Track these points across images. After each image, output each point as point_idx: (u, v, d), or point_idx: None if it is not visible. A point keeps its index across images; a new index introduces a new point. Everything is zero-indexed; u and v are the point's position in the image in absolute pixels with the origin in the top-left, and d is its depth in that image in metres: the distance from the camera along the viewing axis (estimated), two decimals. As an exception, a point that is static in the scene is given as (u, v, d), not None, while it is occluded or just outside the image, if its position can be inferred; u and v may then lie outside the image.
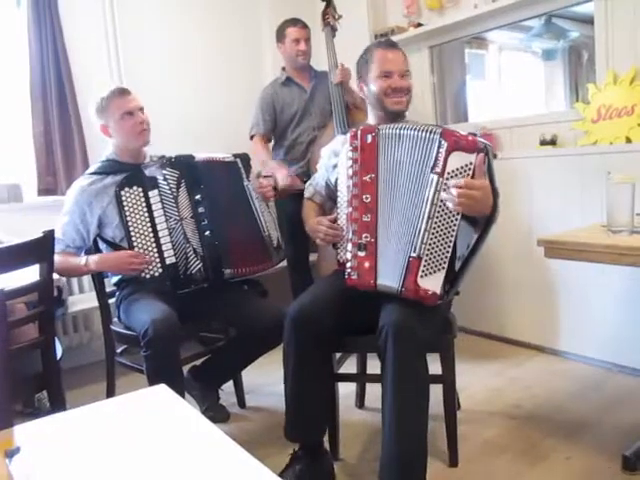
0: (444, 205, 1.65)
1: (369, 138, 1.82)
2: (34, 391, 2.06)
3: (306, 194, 2.23)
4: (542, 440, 2.09)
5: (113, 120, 2.17)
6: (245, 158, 2.39)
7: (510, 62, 4.04)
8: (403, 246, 1.72)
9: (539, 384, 2.56)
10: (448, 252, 1.67)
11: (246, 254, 2.26)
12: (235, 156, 2.36)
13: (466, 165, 1.63)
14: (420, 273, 1.68)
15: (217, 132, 3.42)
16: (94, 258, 2.16)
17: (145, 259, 2.12)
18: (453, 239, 1.66)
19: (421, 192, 1.69)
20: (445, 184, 1.64)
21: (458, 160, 1.63)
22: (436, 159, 1.66)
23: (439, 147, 1.66)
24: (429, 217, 1.67)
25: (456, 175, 1.63)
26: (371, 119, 2.09)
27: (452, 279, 1.72)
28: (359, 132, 1.85)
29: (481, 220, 1.73)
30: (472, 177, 1.63)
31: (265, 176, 2.43)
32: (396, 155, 1.77)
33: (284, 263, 3.26)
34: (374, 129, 1.83)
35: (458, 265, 1.73)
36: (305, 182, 2.38)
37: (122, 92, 2.18)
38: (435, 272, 1.68)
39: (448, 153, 1.64)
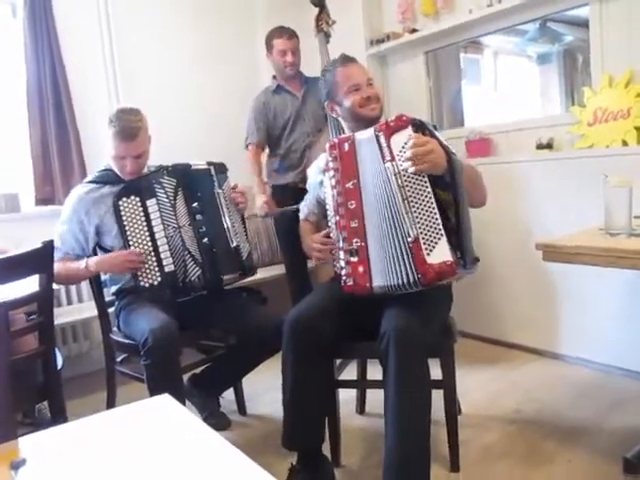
0: (408, 181, 1.70)
1: (346, 146, 1.86)
2: (35, 401, 2.06)
3: (301, 216, 2.24)
4: (543, 444, 2.09)
5: (109, 153, 2.16)
6: (219, 166, 2.35)
7: (506, 66, 4.05)
8: (397, 241, 1.72)
9: (539, 388, 2.56)
10: (437, 219, 1.67)
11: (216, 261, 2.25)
12: (209, 164, 2.33)
13: (407, 139, 1.71)
14: (425, 252, 1.66)
15: (214, 140, 3.42)
16: (93, 259, 2.16)
17: (142, 258, 2.13)
18: (434, 205, 1.68)
19: (387, 184, 1.73)
20: (401, 165, 1.71)
21: (399, 139, 1.73)
22: (382, 150, 1.76)
23: (378, 139, 1.77)
24: (403, 199, 1.70)
25: (404, 152, 1.71)
26: (348, 132, 2.10)
27: (458, 244, 1.69)
28: (337, 142, 1.89)
29: (448, 178, 1.72)
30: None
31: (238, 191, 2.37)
32: (365, 158, 1.82)
33: (282, 270, 3.28)
34: (350, 137, 1.88)
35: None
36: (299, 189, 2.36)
37: (127, 138, 2.09)
38: (437, 243, 1.67)
39: (388, 139, 1.75)
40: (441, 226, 1.67)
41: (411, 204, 1.69)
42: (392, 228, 1.73)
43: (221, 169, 2.35)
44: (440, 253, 1.66)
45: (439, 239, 1.67)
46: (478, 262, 1.78)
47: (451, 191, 1.70)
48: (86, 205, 2.19)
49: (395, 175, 1.71)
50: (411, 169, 1.68)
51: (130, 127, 2.09)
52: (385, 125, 1.77)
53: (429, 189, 1.69)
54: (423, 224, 1.68)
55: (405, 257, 1.70)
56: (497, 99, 4.05)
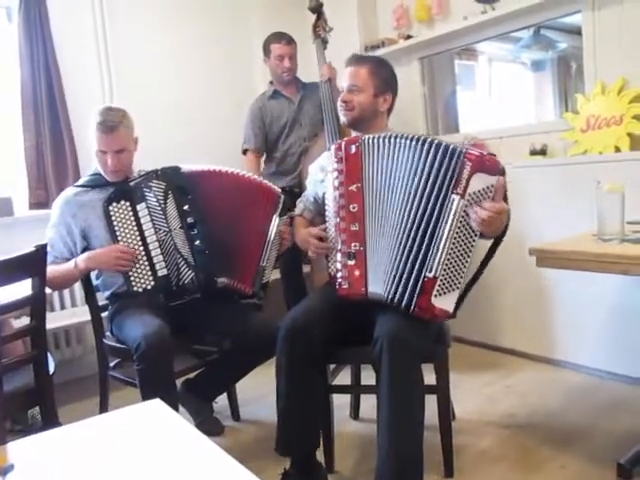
0: (463, 226, 1.65)
1: (353, 148, 1.84)
2: (26, 407, 2.05)
3: (296, 211, 2.24)
4: (537, 449, 2.09)
5: (94, 149, 2.16)
6: (288, 203, 2.33)
7: (500, 73, 4.07)
8: (412, 264, 1.71)
9: (533, 393, 2.56)
10: (464, 272, 1.69)
11: (236, 266, 2.25)
12: (283, 192, 2.34)
13: (488, 187, 1.62)
14: (435, 292, 1.68)
15: (210, 143, 3.42)
16: (82, 256, 2.14)
17: (134, 256, 2.10)
18: (470, 259, 1.68)
19: (435, 209, 1.68)
20: (466, 205, 1.63)
21: (481, 182, 1.62)
22: (458, 179, 1.63)
23: (462, 166, 1.62)
24: (447, 237, 1.66)
25: (478, 197, 1.63)
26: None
27: (461, 300, 1.74)
28: (343, 144, 1.87)
29: (490, 239, 1.76)
30: (493, 199, 1.63)
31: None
32: (387, 165, 1.78)
33: (277, 275, 3.27)
34: (357, 139, 1.86)
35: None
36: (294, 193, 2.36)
37: (106, 130, 2.10)
38: (450, 292, 1.69)
39: (471, 174, 1.62)
40: (462, 280, 1.69)
41: (452, 246, 1.67)
42: (415, 249, 1.71)
43: (288, 205, 2.32)
44: (446, 301, 1.70)
45: (453, 290, 1.70)
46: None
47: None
48: (72, 208, 2.18)
49: (456, 212, 1.64)
50: (476, 226, 1.64)
51: (110, 120, 2.11)
52: (479, 157, 1.62)
53: (475, 244, 1.68)
54: (450, 270, 1.68)
55: (412, 282, 1.71)
56: (491, 105, 4.07)
